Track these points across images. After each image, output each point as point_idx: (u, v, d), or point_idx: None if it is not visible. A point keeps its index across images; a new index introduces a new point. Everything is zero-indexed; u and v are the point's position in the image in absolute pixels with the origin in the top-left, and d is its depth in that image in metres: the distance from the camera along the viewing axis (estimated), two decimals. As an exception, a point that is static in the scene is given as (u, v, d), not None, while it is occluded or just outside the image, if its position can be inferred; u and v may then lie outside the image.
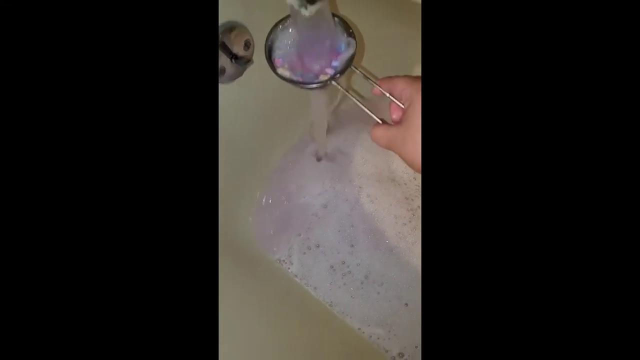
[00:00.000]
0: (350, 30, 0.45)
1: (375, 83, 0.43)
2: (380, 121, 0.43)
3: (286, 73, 0.45)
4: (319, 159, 0.78)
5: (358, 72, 0.45)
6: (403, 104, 0.41)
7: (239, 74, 0.51)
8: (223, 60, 0.49)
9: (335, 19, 0.45)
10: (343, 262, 0.79)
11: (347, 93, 0.44)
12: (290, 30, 0.46)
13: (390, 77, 0.42)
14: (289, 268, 0.77)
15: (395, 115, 0.42)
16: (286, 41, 0.46)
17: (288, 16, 0.45)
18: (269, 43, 0.46)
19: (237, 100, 0.55)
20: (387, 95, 0.42)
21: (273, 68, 0.45)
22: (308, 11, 0.39)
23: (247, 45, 0.50)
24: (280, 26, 0.46)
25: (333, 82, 0.44)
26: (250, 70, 0.52)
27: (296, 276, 0.77)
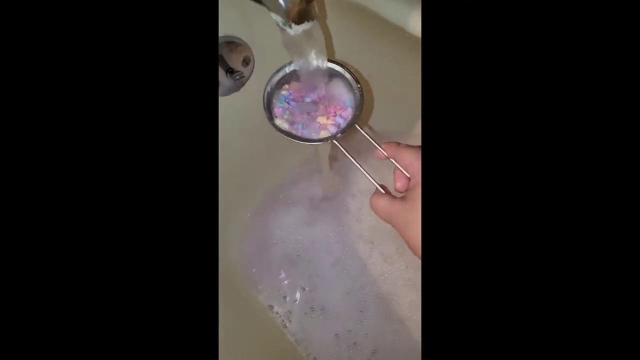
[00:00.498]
0: (359, 86, 0.43)
1: (379, 147, 0.39)
2: (381, 188, 0.38)
3: (285, 125, 0.42)
4: (324, 198, 0.74)
5: (362, 132, 0.41)
6: (409, 176, 0.37)
7: (234, 88, 0.52)
8: (219, 73, 0.50)
9: (343, 69, 0.43)
10: (349, 331, 0.70)
11: (347, 154, 0.40)
12: (292, 80, 0.44)
13: (397, 144, 0.38)
14: (285, 324, 0.69)
15: (400, 184, 0.38)
16: (286, 91, 0.44)
17: (291, 62, 0.43)
18: (268, 89, 0.43)
19: (230, 117, 0.55)
20: (392, 161, 0.38)
21: (270, 118, 0.42)
22: (293, 30, 0.38)
23: (247, 61, 0.51)
24: (282, 72, 0.44)
25: (337, 143, 0.41)
26: (249, 86, 0.53)
27: (294, 335, 0.68)
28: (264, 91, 0.43)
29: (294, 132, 0.42)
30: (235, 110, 0.54)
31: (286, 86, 0.44)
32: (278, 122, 0.42)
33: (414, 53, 0.45)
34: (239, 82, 0.51)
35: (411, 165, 0.36)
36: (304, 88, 0.44)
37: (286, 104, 0.44)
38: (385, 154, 0.38)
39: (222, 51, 0.49)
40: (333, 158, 0.73)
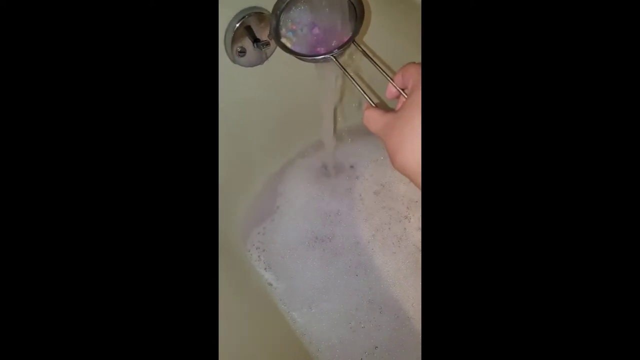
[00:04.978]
0: (363, 13, 0.44)
1: (390, 80, 0.39)
2: (372, 102, 0.39)
3: (288, 44, 0.45)
4: (326, 169, 0.75)
5: (360, 50, 0.43)
6: (406, 96, 0.37)
7: (259, 60, 0.53)
8: (246, 43, 0.51)
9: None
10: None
11: (343, 69, 0.42)
12: (302, 5, 0.46)
13: (406, 64, 0.37)
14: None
15: (389, 93, 0.39)
16: (298, 16, 0.46)
17: None
18: (278, 12, 0.46)
19: (252, 90, 0.57)
20: (400, 92, 0.38)
21: (277, 37, 0.45)
22: None
23: (273, 35, 0.52)
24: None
25: (334, 59, 0.43)
26: (273, 60, 0.54)
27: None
28: (273, 12, 0.46)
29: (295, 50, 0.45)
30: (258, 82, 0.56)
31: (293, 13, 0.46)
32: (283, 40, 0.45)
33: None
34: (264, 52, 0.52)
35: (411, 78, 0.35)
36: (307, 16, 0.46)
37: (291, 34, 0.46)
38: (393, 84, 0.38)
39: (251, 21, 0.50)
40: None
